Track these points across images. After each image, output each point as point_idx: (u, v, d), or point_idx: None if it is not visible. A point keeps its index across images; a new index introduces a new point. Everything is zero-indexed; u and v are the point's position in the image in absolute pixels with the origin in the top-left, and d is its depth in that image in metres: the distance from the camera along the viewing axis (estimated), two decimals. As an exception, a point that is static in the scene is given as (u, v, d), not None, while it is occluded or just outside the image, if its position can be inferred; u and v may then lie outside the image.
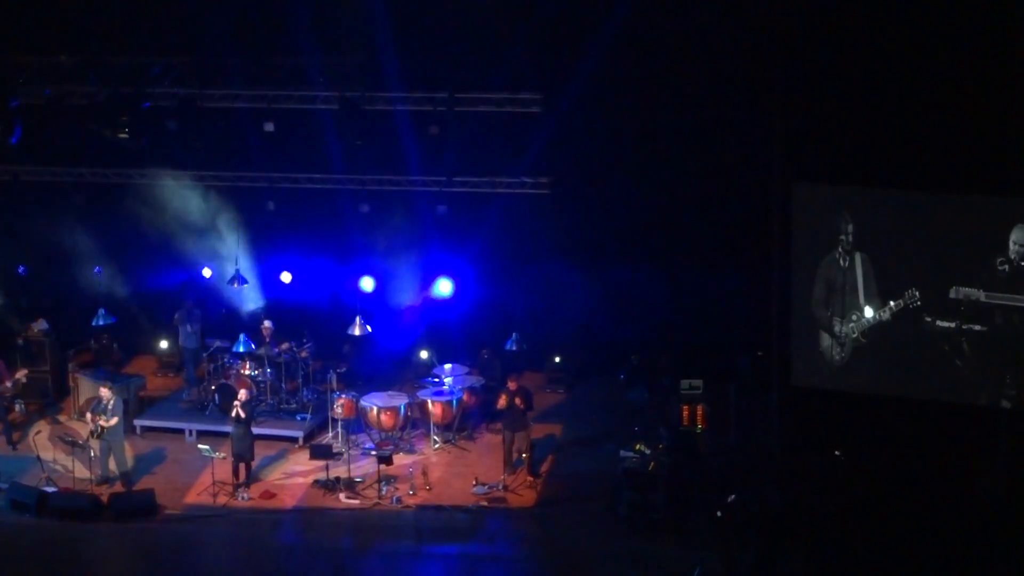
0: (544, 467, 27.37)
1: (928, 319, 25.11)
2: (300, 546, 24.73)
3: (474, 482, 26.50)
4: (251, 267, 30.98)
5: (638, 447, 25.76)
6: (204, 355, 30.28)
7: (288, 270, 31.55)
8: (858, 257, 25.52)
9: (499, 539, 24.90)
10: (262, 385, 29.40)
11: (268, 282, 31.39)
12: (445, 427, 28.61)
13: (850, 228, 25.48)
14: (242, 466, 26.63)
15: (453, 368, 29.66)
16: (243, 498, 26.21)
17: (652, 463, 25.25)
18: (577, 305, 30.66)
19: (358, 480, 26.61)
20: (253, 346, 29.61)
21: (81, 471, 26.63)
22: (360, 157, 29.48)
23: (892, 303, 25.37)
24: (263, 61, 28.60)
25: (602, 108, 28.66)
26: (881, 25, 24.64)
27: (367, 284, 30.51)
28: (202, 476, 26.87)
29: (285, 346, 29.67)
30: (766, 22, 25.82)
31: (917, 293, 25.11)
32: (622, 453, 25.90)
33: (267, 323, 30.20)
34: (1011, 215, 24.29)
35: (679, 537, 24.34)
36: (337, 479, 26.54)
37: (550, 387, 31.08)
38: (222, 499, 26.16)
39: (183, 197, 30.64)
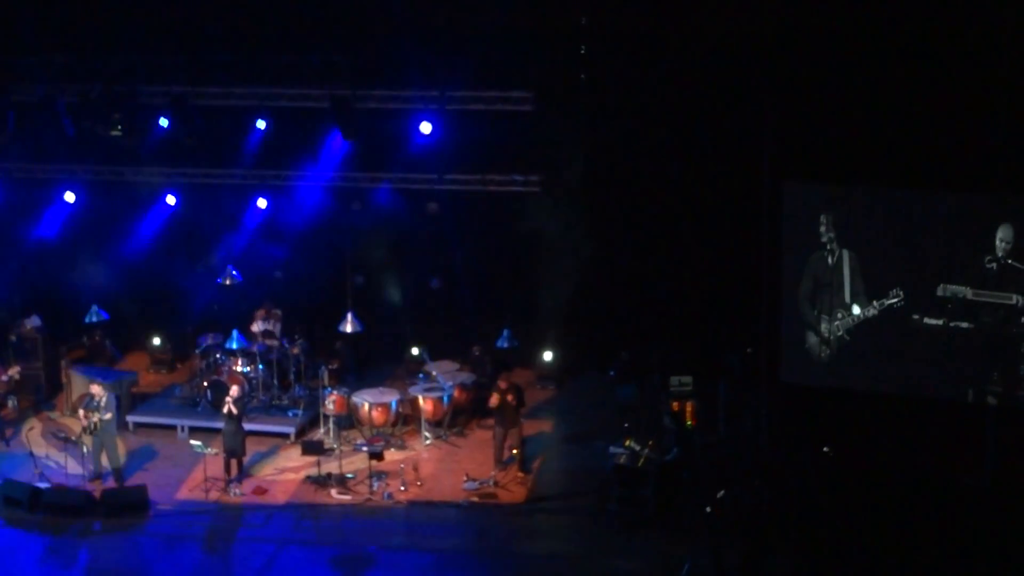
0: (535, 463, 27.46)
1: (915, 317, 25.22)
2: (291, 542, 24.82)
3: (465, 478, 26.60)
4: (243, 264, 31.07)
5: (628, 443, 25.87)
6: (196, 351, 30.40)
7: (280, 267, 31.66)
8: (845, 254, 25.63)
9: (489, 535, 25.00)
10: (254, 381, 29.50)
11: (260, 279, 31.49)
12: (436, 423, 28.71)
13: (837, 226, 25.59)
14: (234, 462, 26.74)
15: (444, 365, 29.76)
16: (235, 494, 26.31)
17: (642, 459, 25.37)
18: (567, 302, 30.76)
19: (349, 476, 26.73)
20: (246, 342, 29.74)
21: (74, 467, 26.68)
22: (351, 155, 29.57)
23: (878, 300, 25.49)
24: (255, 59, 28.67)
25: (593, 107, 28.76)
26: (868, 25, 24.75)
27: (358, 281, 30.60)
28: (194, 472, 26.94)
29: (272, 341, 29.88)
30: (755, 23, 25.93)
31: (901, 293, 25.24)
32: (612, 449, 26.01)
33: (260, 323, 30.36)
34: (998, 212, 24.41)
35: (669, 533, 24.45)
36: (328, 475, 26.65)
37: (540, 384, 31.16)
38: (214, 495, 26.26)
39: (176, 194, 30.76)
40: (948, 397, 25.32)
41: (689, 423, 27.83)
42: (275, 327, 30.44)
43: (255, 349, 29.70)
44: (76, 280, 31.77)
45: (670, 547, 23.89)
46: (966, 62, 23.99)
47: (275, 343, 30.01)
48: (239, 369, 29.38)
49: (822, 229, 25.60)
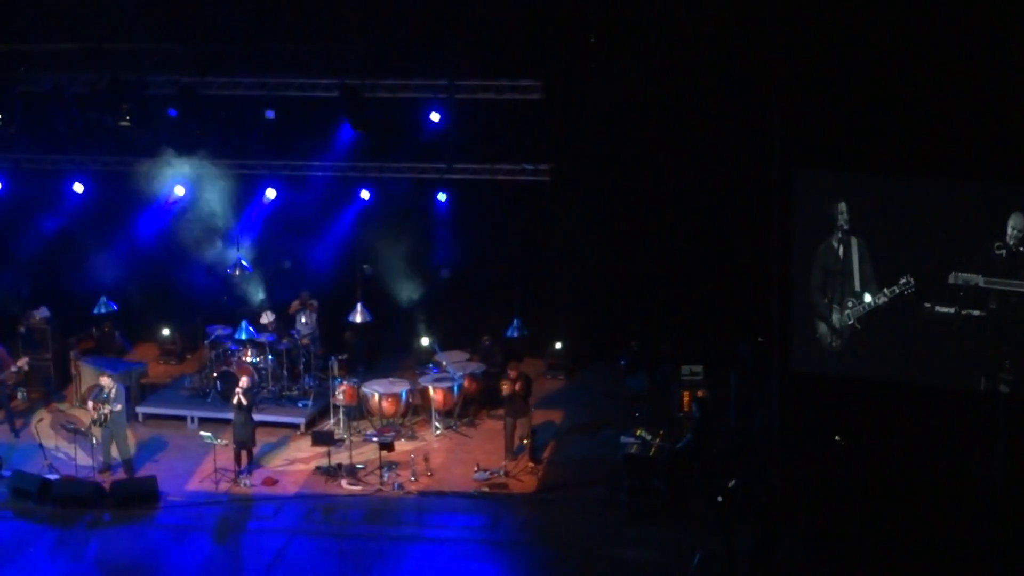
0: (545, 453, 27.44)
1: (927, 305, 25.15)
2: (302, 532, 24.79)
3: (475, 468, 26.57)
4: (252, 255, 31.03)
5: (639, 433, 25.82)
6: (206, 342, 30.36)
7: (289, 257, 31.63)
8: (854, 242, 25.55)
9: (500, 525, 24.96)
10: (264, 372, 29.47)
11: (269, 270, 31.46)
12: (446, 413, 28.68)
13: (847, 214, 25.52)
14: (244, 453, 26.71)
15: (454, 355, 29.73)
16: (245, 485, 26.28)
17: (653, 448, 25.33)
18: (577, 291, 30.73)
19: (360, 466, 26.69)
20: (255, 333, 29.70)
21: (83, 458, 26.70)
22: (361, 144, 29.53)
23: (888, 288, 25.41)
24: (264, 48, 28.62)
25: (602, 95, 28.69)
26: (880, 11, 24.68)
27: (368, 271, 30.57)
28: (204, 463, 26.94)
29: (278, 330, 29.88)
30: (766, 10, 25.86)
31: (912, 279, 25.15)
32: (623, 439, 25.95)
33: (268, 315, 30.27)
34: (1009, 201, 24.33)
35: (680, 522, 24.41)
36: (339, 465, 26.62)
37: (551, 373, 31.14)
38: (224, 486, 26.24)
39: (184, 185, 30.71)
40: (960, 385, 25.25)
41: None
42: (311, 318, 30.43)
43: (263, 340, 29.66)
44: (85, 271, 31.74)
45: (681, 536, 23.86)
46: (979, 49, 23.92)
47: (282, 336, 29.99)
48: (249, 360, 29.34)
49: (844, 214, 25.47)
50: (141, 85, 28.46)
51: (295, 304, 30.57)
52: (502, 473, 26.47)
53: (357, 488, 26.20)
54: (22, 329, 30.85)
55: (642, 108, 28.59)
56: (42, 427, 27.95)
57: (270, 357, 29.58)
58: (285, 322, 30.37)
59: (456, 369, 28.98)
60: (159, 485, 26.01)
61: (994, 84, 24.00)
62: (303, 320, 30.45)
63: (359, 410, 28.69)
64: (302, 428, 28.56)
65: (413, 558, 23.92)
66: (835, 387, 26.30)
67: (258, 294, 31.13)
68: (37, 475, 26.22)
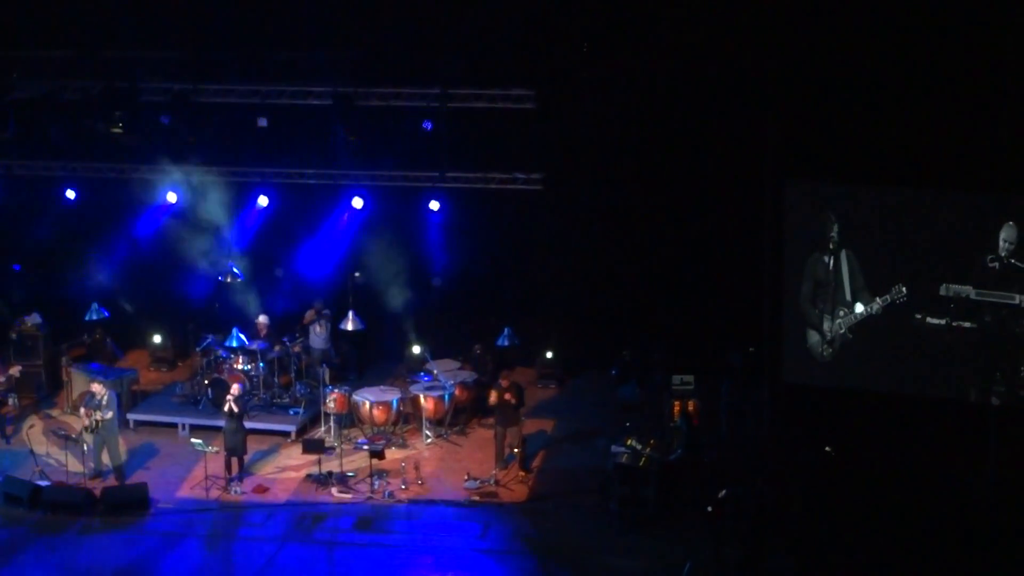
0: (536, 462, 27.42)
1: (918, 316, 25.16)
2: (292, 540, 24.78)
3: (466, 477, 26.56)
4: (244, 262, 31.01)
5: (630, 442, 25.81)
6: (197, 349, 30.30)
7: (281, 265, 31.63)
8: (843, 254, 25.57)
9: (490, 534, 24.95)
10: (255, 379, 29.45)
11: (261, 277, 31.44)
12: (437, 422, 28.67)
13: (838, 225, 25.54)
14: (235, 460, 26.71)
15: (445, 363, 29.72)
16: (236, 492, 26.27)
17: (643, 458, 25.32)
18: (569, 300, 30.73)
19: (350, 474, 26.68)
20: (246, 341, 29.67)
21: (74, 465, 26.65)
22: (353, 152, 29.53)
23: (879, 299, 25.43)
24: (257, 56, 28.65)
25: (595, 105, 28.72)
26: (871, 23, 24.71)
27: (360, 279, 30.57)
28: (195, 470, 26.92)
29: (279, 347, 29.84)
30: (758, 22, 25.89)
31: (904, 289, 25.17)
32: (614, 448, 25.95)
33: (262, 318, 30.27)
34: (1001, 213, 24.35)
35: (670, 532, 24.41)
36: (329, 473, 26.61)
37: (542, 382, 31.13)
38: (215, 493, 26.22)
39: (176, 192, 30.70)
40: (951, 397, 25.26)
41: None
42: (325, 328, 30.37)
43: (255, 347, 29.63)
44: (77, 277, 31.74)
45: (671, 547, 23.87)
46: (970, 61, 23.95)
47: (274, 342, 29.99)
48: (240, 367, 29.33)
49: (834, 225, 25.50)
50: (134, 92, 28.46)
51: (310, 314, 30.53)
52: (492, 482, 26.46)
53: (348, 496, 26.18)
54: (14, 335, 30.84)
55: (634, 118, 28.62)
56: (33, 433, 27.90)
57: (261, 364, 29.56)
58: (284, 331, 30.36)
59: (447, 378, 28.98)
60: (150, 492, 26.00)
61: (985, 95, 24.02)
62: (317, 331, 30.41)
63: (350, 418, 28.67)
64: (293, 436, 28.54)
65: (403, 567, 23.91)
66: (826, 397, 26.32)
67: (250, 301, 31.12)
68: (28, 481, 26.20)
